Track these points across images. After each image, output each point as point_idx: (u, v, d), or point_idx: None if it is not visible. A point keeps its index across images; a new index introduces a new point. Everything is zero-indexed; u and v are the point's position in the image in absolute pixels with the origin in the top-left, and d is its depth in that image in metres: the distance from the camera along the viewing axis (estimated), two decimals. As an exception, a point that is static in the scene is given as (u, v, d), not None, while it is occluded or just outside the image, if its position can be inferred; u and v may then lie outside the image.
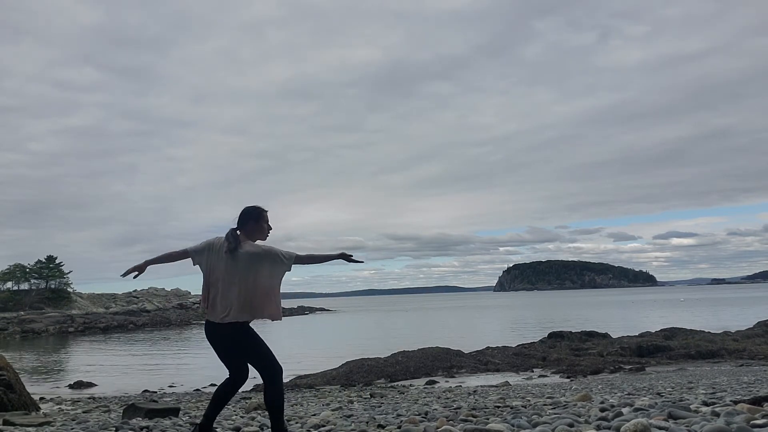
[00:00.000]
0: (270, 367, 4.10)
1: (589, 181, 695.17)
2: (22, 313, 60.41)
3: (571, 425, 4.02)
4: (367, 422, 5.49)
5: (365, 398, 12.16)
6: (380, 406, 8.75)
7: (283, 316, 4.27)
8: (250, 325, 4.13)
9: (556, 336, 27.46)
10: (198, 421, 4.47)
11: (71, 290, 74.36)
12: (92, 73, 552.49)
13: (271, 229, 4.29)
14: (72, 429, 6.06)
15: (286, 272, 4.15)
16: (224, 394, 4.23)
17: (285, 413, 6.23)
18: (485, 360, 22.02)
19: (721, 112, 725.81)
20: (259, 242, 4.21)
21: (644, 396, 7.79)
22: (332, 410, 7.84)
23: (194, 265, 4.19)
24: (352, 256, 4.33)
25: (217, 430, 5.63)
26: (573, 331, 28.67)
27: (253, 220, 4.20)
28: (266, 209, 4.29)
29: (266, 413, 7.98)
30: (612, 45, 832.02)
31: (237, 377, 4.21)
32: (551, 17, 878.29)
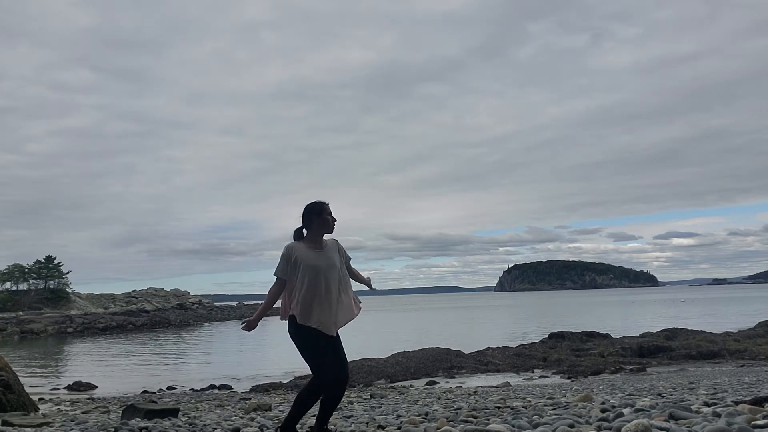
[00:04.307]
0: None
1: (587, 181, 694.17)
2: (21, 313, 60.37)
3: (571, 426, 4.00)
4: (367, 423, 5.47)
5: (365, 399, 12.13)
6: (380, 407, 8.72)
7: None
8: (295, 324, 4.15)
9: (556, 336, 27.43)
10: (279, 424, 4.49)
11: (70, 290, 74.30)
12: (88, 75, 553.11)
13: (335, 221, 4.24)
14: (71, 429, 6.04)
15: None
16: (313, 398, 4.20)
17: (285, 413, 6.21)
18: (486, 360, 22.00)
19: (715, 113, 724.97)
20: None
21: (645, 396, 7.77)
22: (332, 411, 7.80)
23: None
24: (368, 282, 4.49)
25: (217, 430, 5.61)
26: (574, 331, 28.64)
27: (316, 214, 4.17)
28: (327, 201, 4.24)
29: (266, 414, 7.98)
30: (605, 47, 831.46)
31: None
32: (544, 19, 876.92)
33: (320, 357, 4.00)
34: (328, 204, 4.23)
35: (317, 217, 4.16)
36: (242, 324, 4.15)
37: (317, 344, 4.01)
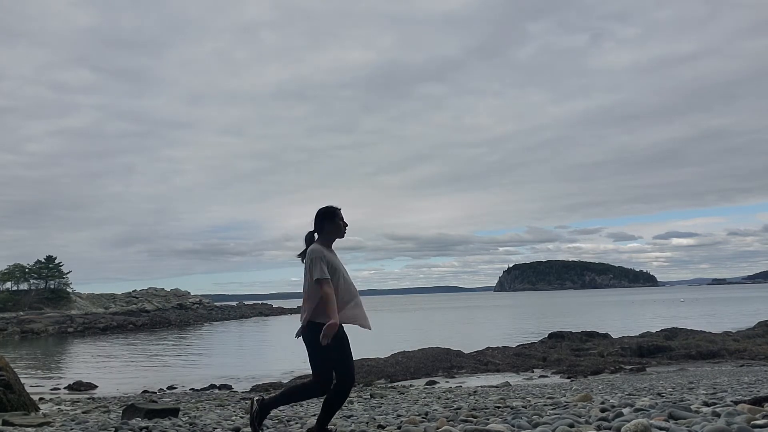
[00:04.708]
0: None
1: (587, 181, 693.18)
2: (22, 313, 60.40)
3: (571, 425, 4.01)
4: (367, 422, 5.48)
5: (365, 398, 12.14)
6: (380, 407, 8.73)
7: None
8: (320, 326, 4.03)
9: (556, 336, 27.45)
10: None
11: (70, 290, 74.34)
12: (88, 75, 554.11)
13: (347, 225, 4.27)
14: (71, 429, 6.05)
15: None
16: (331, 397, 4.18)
17: (285, 414, 6.22)
18: (485, 360, 22.01)
19: (715, 113, 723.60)
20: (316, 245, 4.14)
21: (645, 396, 7.78)
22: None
23: None
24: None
25: (217, 430, 5.62)
26: (573, 331, 28.66)
27: (329, 219, 4.20)
28: (339, 207, 4.26)
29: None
30: (604, 47, 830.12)
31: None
32: (543, 19, 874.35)
33: (330, 361, 4.05)
34: (340, 209, 4.25)
35: (330, 221, 4.19)
36: (324, 333, 3.86)
37: (331, 347, 4.01)
